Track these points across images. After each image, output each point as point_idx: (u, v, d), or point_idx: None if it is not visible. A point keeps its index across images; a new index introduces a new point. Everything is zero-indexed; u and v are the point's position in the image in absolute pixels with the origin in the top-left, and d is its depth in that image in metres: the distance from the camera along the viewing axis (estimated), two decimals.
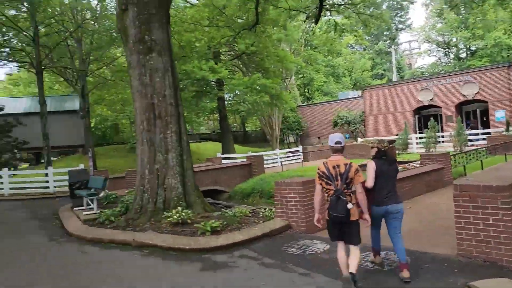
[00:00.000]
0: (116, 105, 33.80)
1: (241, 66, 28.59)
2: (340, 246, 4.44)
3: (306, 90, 48.42)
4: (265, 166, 21.77)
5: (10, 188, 17.33)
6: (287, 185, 7.39)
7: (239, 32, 16.98)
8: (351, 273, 4.20)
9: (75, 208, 10.77)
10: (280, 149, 28.91)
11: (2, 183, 17.42)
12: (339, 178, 4.27)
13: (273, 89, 24.13)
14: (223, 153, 26.11)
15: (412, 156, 21.19)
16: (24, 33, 19.94)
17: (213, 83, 25.80)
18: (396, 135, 26.69)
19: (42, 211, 12.17)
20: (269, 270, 5.21)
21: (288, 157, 26.84)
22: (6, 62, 23.19)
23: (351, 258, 4.29)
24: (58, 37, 21.60)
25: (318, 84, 46.19)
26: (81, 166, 16.73)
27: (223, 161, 22.61)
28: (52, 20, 21.24)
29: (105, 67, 28.88)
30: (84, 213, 9.60)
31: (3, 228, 9.72)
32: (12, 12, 21.28)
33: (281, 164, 22.25)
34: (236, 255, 5.99)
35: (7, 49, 22.04)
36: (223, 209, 9.84)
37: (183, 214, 7.77)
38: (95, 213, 9.32)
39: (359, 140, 28.00)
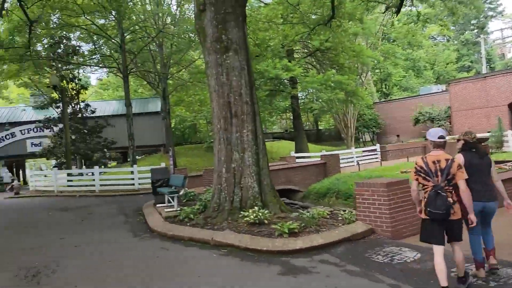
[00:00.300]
0: (194, 106, 35.23)
1: (314, 63, 28.04)
2: (438, 251, 4.02)
3: (384, 86, 46.17)
4: (341, 165, 21.05)
5: (101, 185, 18.77)
6: (370, 187, 6.89)
7: (314, 28, 16.52)
8: (460, 277, 3.97)
9: (157, 205, 11.24)
10: (355, 148, 27.81)
11: (93, 180, 18.95)
12: (439, 173, 4.03)
13: (349, 86, 23.25)
14: (296, 152, 25.82)
15: (509, 155, 19.05)
16: (112, 40, 21.49)
17: (287, 81, 25.60)
18: (489, 132, 24.21)
19: (127, 207, 12.93)
20: (353, 279, 4.83)
21: (364, 156, 25.74)
22: (97, 68, 25.21)
23: (457, 257, 4.07)
24: (141, 42, 22.96)
25: (397, 79, 43.76)
26: (163, 165, 17.55)
27: (297, 160, 22.31)
28: (137, 27, 22.63)
29: (184, 69, 30.17)
30: (166, 210, 9.94)
31: (94, 222, 10.44)
32: (102, 21, 23.06)
33: (358, 164, 21.35)
34: (316, 260, 5.69)
35: (98, 56, 23.96)
36: (299, 210, 9.57)
37: (260, 214, 7.64)
38: (175, 210, 9.60)
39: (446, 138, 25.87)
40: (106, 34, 20.49)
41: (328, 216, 8.39)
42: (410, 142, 29.16)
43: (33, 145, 30.75)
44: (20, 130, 31.30)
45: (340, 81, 22.41)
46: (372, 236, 6.67)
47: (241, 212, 8.05)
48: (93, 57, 23.23)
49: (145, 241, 7.70)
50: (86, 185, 19.42)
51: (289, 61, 22.95)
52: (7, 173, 30.27)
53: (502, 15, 53.58)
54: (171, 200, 10.14)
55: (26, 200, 18.06)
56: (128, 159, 40.17)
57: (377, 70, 47.18)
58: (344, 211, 8.72)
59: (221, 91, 8.82)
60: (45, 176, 21.09)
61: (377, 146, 27.05)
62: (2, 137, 31.21)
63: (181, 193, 9.98)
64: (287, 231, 6.77)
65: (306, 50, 27.57)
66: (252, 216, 7.60)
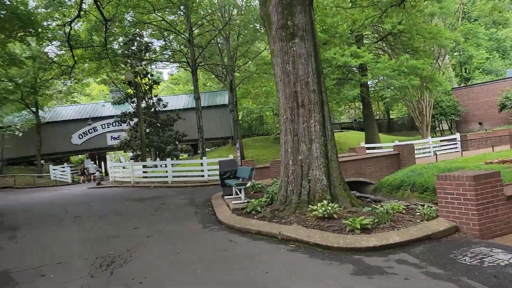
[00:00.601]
0: (260, 97, 35.39)
1: (386, 48, 26.52)
2: None
3: (463, 70, 42.53)
4: (416, 156, 19.75)
5: (173, 176, 19.53)
6: (454, 180, 6.19)
7: (385, 10, 15.51)
8: None
9: (225, 197, 11.32)
10: (431, 137, 25.93)
11: (166, 171, 19.77)
12: None
13: (424, 71, 21.65)
14: (366, 142, 24.73)
15: None
16: (182, 36, 22.13)
17: (356, 69, 24.52)
18: None
19: (198, 198, 13.23)
20: (437, 283, 4.32)
21: (442, 146, 23.92)
22: (167, 63, 26.18)
23: None
24: (209, 36, 23.35)
25: (479, 61, 40.04)
26: (231, 157, 17.75)
27: (367, 151, 21.34)
28: (204, 20, 23.07)
29: (250, 61, 30.30)
30: (233, 202, 9.95)
31: (166, 213, 10.78)
32: (171, 17, 23.85)
33: (435, 154, 19.84)
34: (392, 259, 5.22)
35: (169, 51, 24.87)
36: (371, 204, 9.02)
37: (329, 208, 7.28)
38: (242, 203, 9.56)
39: None
40: (175, 29, 21.13)
41: (404, 211, 7.80)
42: (494, 130, 26.54)
43: (112, 139, 33.09)
44: (101, 125, 33.78)
45: (414, 66, 20.94)
46: (457, 235, 6.00)
47: (309, 205, 7.75)
48: (164, 52, 24.16)
49: (214, 233, 7.72)
50: (160, 176, 20.33)
51: (358, 47, 21.91)
52: (92, 165, 32.89)
53: None
54: (239, 192, 10.12)
55: (106, 191, 19.37)
56: (198, 151, 41.65)
57: (456, 53, 43.63)
58: (422, 205, 8.04)
59: (287, 80, 8.53)
60: (124, 168, 22.44)
61: (457, 135, 25.02)
62: (86, 131, 33.94)
63: (248, 185, 9.92)
64: (359, 227, 6.35)
65: (376, 35, 26.16)
66: (321, 210, 7.26)
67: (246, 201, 9.65)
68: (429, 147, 23.17)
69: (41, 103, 32.25)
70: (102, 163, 42.25)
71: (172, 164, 20.25)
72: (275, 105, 32.03)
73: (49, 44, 17.38)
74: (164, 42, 23.53)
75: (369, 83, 45.54)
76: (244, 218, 8.18)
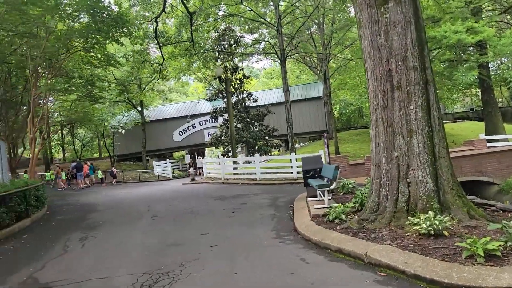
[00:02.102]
0: (358, 88, 32.85)
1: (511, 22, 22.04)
2: None
3: None
4: None
5: (261, 173, 18.62)
6: None
7: None
8: None
9: (308, 199, 9.90)
10: None
11: (254, 167, 18.96)
12: None
13: None
14: (487, 134, 20.83)
15: None
16: (269, 24, 21.07)
17: (472, 47, 20.79)
18: None
19: (281, 198, 12.01)
20: None
21: None
22: (258, 56, 25.45)
23: None
24: (299, 22, 21.85)
25: None
26: (321, 153, 16.16)
27: (489, 144, 17.82)
28: (294, 7, 21.68)
29: (346, 49, 28.08)
30: (315, 206, 8.50)
31: (242, 215, 9.77)
32: (262, 9, 22.99)
33: None
34: None
35: (261, 45, 24.05)
36: (498, 215, 6.77)
37: (436, 222, 5.41)
38: (326, 207, 8.04)
39: None
40: (263, 18, 20.13)
41: None
42: None
43: (209, 135, 33.74)
44: (199, 122, 34.70)
45: None
46: None
47: (409, 216, 5.96)
48: (255, 45, 23.40)
49: (286, 246, 6.40)
50: (249, 173, 19.63)
51: (475, 22, 18.37)
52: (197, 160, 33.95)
53: None
54: (322, 195, 8.60)
55: (195, 187, 19.31)
56: (297, 146, 40.57)
57: None
58: None
59: (377, 56, 6.76)
60: (218, 164, 22.34)
61: None
62: (185, 128, 35.21)
63: (332, 187, 8.34)
64: (482, 254, 4.46)
65: (498, 7, 21.91)
66: (424, 225, 5.44)
67: (330, 205, 8.11)
68: None
69: (146, 102, 34.30)
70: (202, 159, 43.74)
71: (260, 161, 19.37)
72: None
73: (141, 43, 17.83)
74: (252, 35, 22.80)
75: (490, 65, 39.47)
76: (324, 229, 6.68)
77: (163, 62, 17.35)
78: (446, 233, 5.39)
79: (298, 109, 32.35)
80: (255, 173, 18.81)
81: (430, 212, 5.75)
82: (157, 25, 14.91)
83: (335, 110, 41.38)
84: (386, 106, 6.73)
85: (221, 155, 23.11)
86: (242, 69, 23.73)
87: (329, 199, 9.58)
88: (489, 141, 18.53)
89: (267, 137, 22.82)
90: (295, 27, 22.12)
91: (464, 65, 21.19)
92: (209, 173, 22.73)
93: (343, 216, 7.09)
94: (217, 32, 21.90)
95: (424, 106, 6.54)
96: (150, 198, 15.72)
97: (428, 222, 5.44)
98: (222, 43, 22.43)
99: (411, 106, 6.52)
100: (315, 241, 6.26)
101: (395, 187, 6.59)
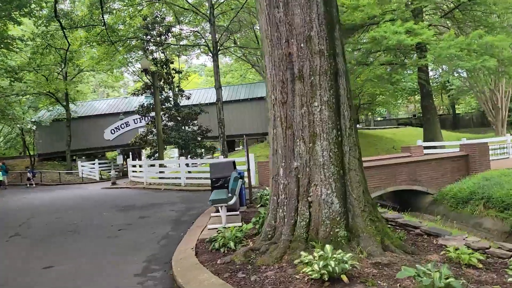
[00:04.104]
0: None
1: (451, 25, 21.76)
2: None
3: None
4: (490, 158, 15.36)
5: (187, 178, 16.76)
6: None
7: None
8: None
9: (213, 214, 8.22)
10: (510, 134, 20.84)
11: (180, 172, 17.08)
12: None
13: (504, 50, 16.96)
14: (425, 140, 20.33)
15: None
16: (201, 14, 19.20)
17: (412, 50, 20.20)
18: None
19: (194, 210, 10.25)
20: None
21: None
22: (189, 47, 23.39)
23: None
24: (233, 13, 20.18)
25: None
26: (251, 157, 14.54)
27: (425, 151, 17.12)
28: None
29: None
30: (209, 226, 6.81)
31: (130, 235, 7.91)
32: None
33: None
34: None
35: (190, 35, 22.06)
36: (422, 243, 5.44)
37: (332, 264, 3.87)
38: (222, 227, 6.34)
39: None
40: (194, 7, 18.28)
41: (480, 266, 4.29)
42: None
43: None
44: (133, 119, 32.09)
45: (491, 44, 16.33)
46: None
47: (308, 246, 4.42)
48: (187, 36, 21.40)
49: None
50: (175, 178, 17.71)
51: (415, 24, 17.67)
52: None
53: None
54: (220, 211, 6.92)
55: (111, 193, 17.08)
56: (237, 148, 38.84)
57: None
58: None
59: (276, 36, 5.18)
60: (140, 166, 20.13)
61: None
62: (118, 126, 32.46)
63: (231, 202, 6.68)
64: None
65: (441, 10, 21.55)
66: (316, 267, 3.88)
67: (226, 225, 6.45)
68: (506, 147, 18.37)
69: (73, 97, 31.18)
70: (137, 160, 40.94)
71: (188, 164, 17.50)
72: None
73: (46, 24, 15.25)
74: (185, 26, 20.81)
75: (431, 73, 40.07)
76: (199, 264, 4.98)
77: (68, 47, 14.99)
78: (344, 278, 3.87)
79: (242, 109, 30.79)
80: (179, 178, 16.92)
81: (327, 246, 4.21)
82: (56, 1, 12.58)
83: None
84: (285, 102, 5.17)
85: (147, 157, 21.01)
86: (172, 62, 21.63)
87: (237, 214, 7.97)
88: (426, 147, 17.89)
89: (199, 138, 20.95)
90: (229, 18, 20.47)
91: (404, 68, 20.58)
92: (133, 176, 20.50)
93: (232, 244, 5.44)
94: (145, 19, 19.72)
95: (332, 103, 5.04)
96: (45, 206, 13.37)
97: (321, 262, 3.90)
98: (151, 32, 20.30)
99: (315, 102, 5.00)
100: (179, 285, 4.53)
101: (293, 208, 5.03)
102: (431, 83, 38.52)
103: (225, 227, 6.15)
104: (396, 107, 48.24)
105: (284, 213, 5.11)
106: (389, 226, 6.66)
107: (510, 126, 29.43)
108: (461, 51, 16.53)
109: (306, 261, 4.06)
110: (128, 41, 19.04)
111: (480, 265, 4.42)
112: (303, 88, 5.02)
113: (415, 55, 19.79)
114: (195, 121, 21.45)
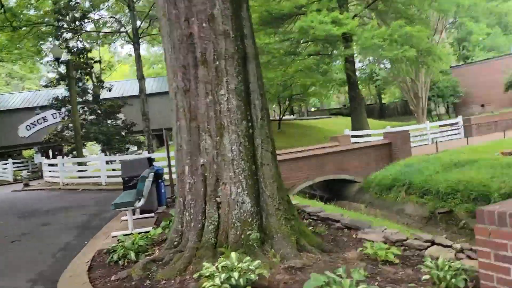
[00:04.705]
0: None
1: (374, 17, 22.41)
2: None
3: (462, 48, 38.60)
4: (411, 145, 16.00)
5: (108, 176, 15.51)
6: None
7: None
8: None
9: (122, 218, 7.40)
10: (429, 122, 22.08)
11: (100, 170, 15.77)
12: None
13: (422, 41, 17.72)
14: (353, 129, 20.83)
15: None
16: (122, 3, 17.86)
17: (339, 41, 20.47)
18: None
19: (107, 212, 9.22)
20: None
21: (442, 132, 20.15)
22: (107, 33, 21.76)
23: None
24: None
25: (479, 36, 36.06)
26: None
27: (353, 140, 17.48)
28: None
29: None
30: (113, 233, 6.02)
31: (25, 244, 6.86)
32: None
33: (436, 143, 16.03)
34: None
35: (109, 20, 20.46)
36: (342, 238, 5.16)
37: (235, 275, 3.34)
38: (123, 236, 5.57)
39: None
40: None
41: (397, 261, 4.05)
42: (502, 113, 22.77)
43: None
44: (52, 114, 29.37)
45: (410, 34, 16.95)
46: None
47: (204, 263, 3.82)
48: (105, 19, 19.76)
49: None
50: (95, 176, 16.33)
51: (341, 14, 17.86)
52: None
53: None
54: (127, 215, 6.14)
55: (20, 195, 15.34)
56: (170, 142, 37.48)
57: (453, 30, 39.76)
58: (450, 246, 4.26)
59: (174, 14, 4.51)
60: (52, 165, 18.36)
61: (459, 119, 21.23)
62: (35, 121, 29.62)
63: (138, 204, 5.94)
64: None
65: (365, 1, 22.05)
66: (218, 281, 3.32)
67: (133, 232, 5.71)
68: (426, 134, 19.38)
69: None
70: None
71: (110, 161, 16.23)
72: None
73: None
74: (103, 11, 19.23)
75: (360, 64, 41.55)
76: (87, 284, 4.22)
77: None
78: (258, 285, 3.37)
79: (159, 102, 29.30)
80: (100, 177, 15.62)
81: (233, 254, 3.68)
82: None
83: None
84: (188, 90, 4.53)
85: (63, 155, 19.27)
86: (90, 51, 19.86)
87: (152, 216, 7.23)
88: (353, 136, 18.27)
89: (123, 133, 19.56)
90: (151, 4, 19.24)
91: (331, 57, 20.84)
92: (49, 177, 18.66)
93: (132, 255, 4.73)
94: (56, 3, 17.79)
95: (241, 90, 4.49)
96: None
97: (223, 275, 3.35)
98: (65, 18, 18.41)
99: (222, 90, 4.42)
100: None
101: (200, 210, 4.45)
102: (359, 74, 39.95)
103: (131, 233, 5.42)
104: (328, 97, 49.55)
105: (191, 217, 4.51)
106: (310, 220, 6.37)
107: (429, 114, 31.36)
108: (384, 41, 16.98)
109: (207, 274, 3.50)
110: (35, 27, 17.08)
111: (397, 261, 4.18)
112: (208, 74, 4.42)
113: (342, 46, 20.07)
114: (118, 115, 20.02)
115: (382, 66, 34.56)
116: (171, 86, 4.71)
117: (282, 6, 18.87)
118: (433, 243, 4.68)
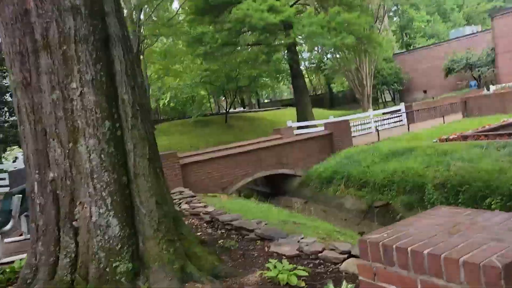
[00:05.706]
0: (183, 74, 30.59)
1: (315, 4, 21.94)
2: None
3: (404, 35, 39.41)
4: (354, 134, 15.70)
5: None
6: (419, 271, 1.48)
7: None
8: None
9: (5, 240, 6.20)
10: (374, 110, 22.07)
11: None
12: None
13: (360, 27, 17.40)
14: (298, 120, 20.35)
15: None
16: None
17: (279, 29, 19.81)
18: None
19: None
20: None
21: (385, 119, 20.12)
22: None
23: None
24: None
25: (420, 23, 36.92)
26: None
27: (296, 132, 16.94)
28: None
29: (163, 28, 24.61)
30: None
31: None
32: None
33: (377, 131, 15.81)
34: None
35: None
36: (251, 253, 4.36)
37: None
38: None
39: (492, 88, 19.77)
40: None
41: (303, 284, 3.32)
42: (442, 98, 23.22)
43: None
44: None
45: (348, 21, 16.54)
46: None
47: None
48: None
49: None
50: None
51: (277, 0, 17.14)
52: None
53: None
54: None
55: None
56: None
57: (395, 18, 40.48)
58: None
59: None
60: None
61: (401, 106, 21.32)
62: None
63: (6, 227, 4.83)
64: None
65: None
66: None
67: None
68: (369, 122, 19.23)
69: None
70: None
71: None
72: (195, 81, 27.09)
73: None
74: None
75: (307, 54, 41.34)
76: None
77: None
78: None
79: None
80: None
81: (111, 279, 2.75)
82: None
83: (165, 99, 37.97)
84: (29, 84, 3.49)
85: None
86: None
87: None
88: (299, 127, 17.75)
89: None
90: None
91: (272, 47, 20.14)
92: None
93: None
94: None
95: (101, 82, 3.51)
96: None
97: None
98: None
99: (73, 83, 3.41)
100: None
101: (53, 238, 3.46)
102: (309, 64, 39.71)
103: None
104: (278, 88, 49.22)
105: (43, 248, 3.50)
106: (223, 231, 5.56)
107: (375, 102, 31.71)
108: (322, 28, 16.46)
109: None
110: None
111: (303, 284, 3.43)
112: (52, 62, 3.39)
113: (283, 35, 19.42)
114: None
115: (330, 56, 34.53)
116: (13, 81, 3.64)
117: None
118: (349, 255, 4.02)
